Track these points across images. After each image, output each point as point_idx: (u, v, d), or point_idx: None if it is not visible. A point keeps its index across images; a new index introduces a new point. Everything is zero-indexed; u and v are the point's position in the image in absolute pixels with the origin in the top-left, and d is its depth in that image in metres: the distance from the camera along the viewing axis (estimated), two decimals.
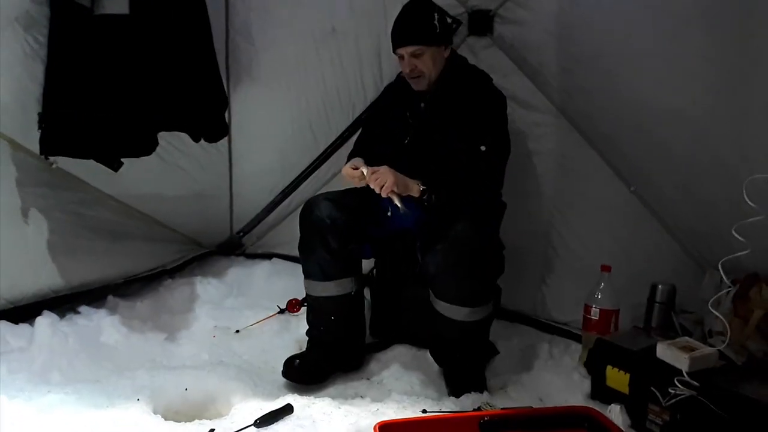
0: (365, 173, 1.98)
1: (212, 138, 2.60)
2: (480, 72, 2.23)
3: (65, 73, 2.14)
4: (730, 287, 1.87)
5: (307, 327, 2.22)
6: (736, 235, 1.63)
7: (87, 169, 2.38)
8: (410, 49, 2.07)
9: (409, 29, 2.09)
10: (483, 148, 2.05)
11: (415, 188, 2.00)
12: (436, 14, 2.11)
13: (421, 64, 2.09)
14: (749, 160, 1.86)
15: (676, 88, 2.03)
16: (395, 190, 1.95)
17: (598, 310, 2.20)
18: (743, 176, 1.66)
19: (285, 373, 2.06)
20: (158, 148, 2.40)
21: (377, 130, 2.32)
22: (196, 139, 2.53)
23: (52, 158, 2.27)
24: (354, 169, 2.03)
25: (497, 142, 2.11)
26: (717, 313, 1.77)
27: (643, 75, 2.11)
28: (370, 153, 2.21)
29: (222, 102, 2.61)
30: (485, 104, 2.12)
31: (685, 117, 2.04)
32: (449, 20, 2.38)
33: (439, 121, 2.14)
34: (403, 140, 2.19)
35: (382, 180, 1.94)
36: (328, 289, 2.14)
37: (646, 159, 2.25)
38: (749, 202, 1.61)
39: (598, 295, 2.21)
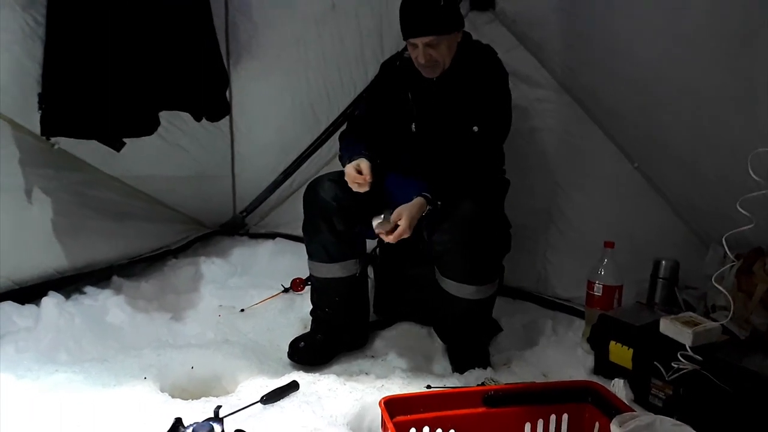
0: (375, 225, 1.93)
1: (214, 117, 2.59)
2: (484, 48, 2.16)
3: (64, 53, 2.12)
4: (733, 262, 1.87)
5: (311, 307, 2.24)
6: (741, 210, 1.63)
7: (89, 150, 2.38)
8: (426, 39, 1.96)
9: (425, 18, 1.95)
10: (475, 128, 2.02)
11: (422, 211, 1.94)
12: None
13: (437, 53, 1.98)
14: (753, 133, 1.85)
15: (679, 64, 2.01)
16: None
17: (601, 286, 2.20)
18: (747, 150, 1.65)
19: (290, 355, 2.08)
20: (160, 129, 2.39)
21: (379, 113, 2.22)
22: (198, 119, 2.52)
23: (54, 139, 2.26)
24: (358, 172, 1.98)
25: (493, 120, 2.07)
26: (721, 288, 1.77)
27: (647, 50, 2.08)
28: (371, 134, 2.17)
29: (223, 80, 2.59)
30: (483, 83, 2.07)
31: (689, 92, 2.02)
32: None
33: (444, 104, 2.10)
34: (409, 127, 2.14)
35: (397, 239, 1.90)
36: (333, 270, 2.13)
37: (650, 135, 2.24)
38: (754, 176, 1.60)
39: (601, 272, 2.21)
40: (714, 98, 1.96)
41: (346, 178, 2.01)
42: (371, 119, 2.23)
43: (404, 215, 1.90)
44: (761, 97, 1.83)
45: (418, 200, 1.93)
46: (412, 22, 1.98)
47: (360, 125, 2.25)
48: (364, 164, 1.99)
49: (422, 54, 1.99)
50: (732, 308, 1.74)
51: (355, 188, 1.99)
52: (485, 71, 2.09)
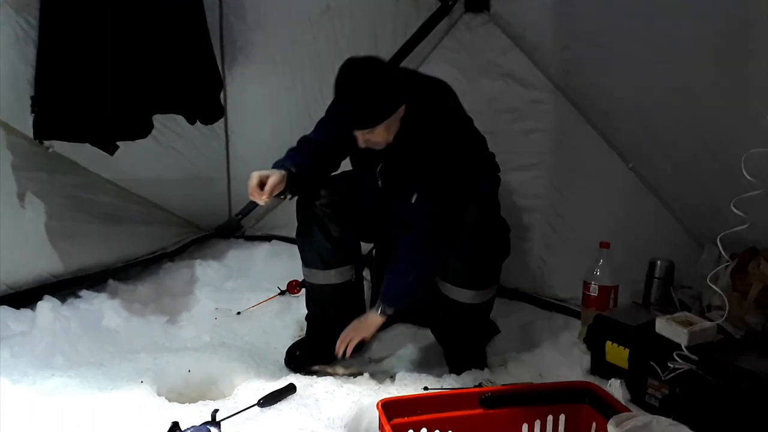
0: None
1: (208, 120, 2.58)
2: (437, 92, 1.96)
3: (57, 56, 2.12)
4: (728, 262, 1.87)
5: (307, 311, 2.23)
6: (735, 210, 1.63)
7: (83, 153, 2.38)
8: (359, 131, 1.86)
9: (355, 115, 1.83)
10: (413, 199, 1.94)
11: (378, 323, 2.00)
12: (382, 85, 1.81)
13: (374, 138, 1.86)
14: (747, 134, 1.86)
15: (673, 65, 2.02)
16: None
17: (597, 286, 2.21)
18: (741, 150, 1.66)
19: (287, 363, 2.08)
20: (154, 131, 2.39)
21: (341, 148, 2.06)
22: (192, 121, 2.52)
23: (47, 142, 2.26)
24: (262, 183, 1.86)
25: (439, 181, 1.92)
26: (716, 288, 1.78)
27: (641, 51, 2.09)
28: (325, 161, 2.08)
29: (217, 83, 2.59)
30: (432, 144, 1.90)
31: (683, 93, 2.03)
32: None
33: (405, 164, 1.97)
34: (376, 181, 2.06)
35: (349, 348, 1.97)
36: (328, 277, 2.11)
37: (644, 135, 2.25)
38: (747, 177, 1.61)
39: (597, 272, 2.22)
40: (708, 99, 1.97)
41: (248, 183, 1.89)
42: (326, 147, 2.06)
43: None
44: (755, 97, 1.84)
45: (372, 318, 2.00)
46: (343, 117, 1.88)
47: (309, 147, 2.05)
48: (273, 178, 1.87)
49: (361, 140, 1.88)
50: (727, 308, 1.74)
51: (251, 197, 1.90)
52: (434, 130, 1.91)
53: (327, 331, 2.13)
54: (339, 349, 1.98)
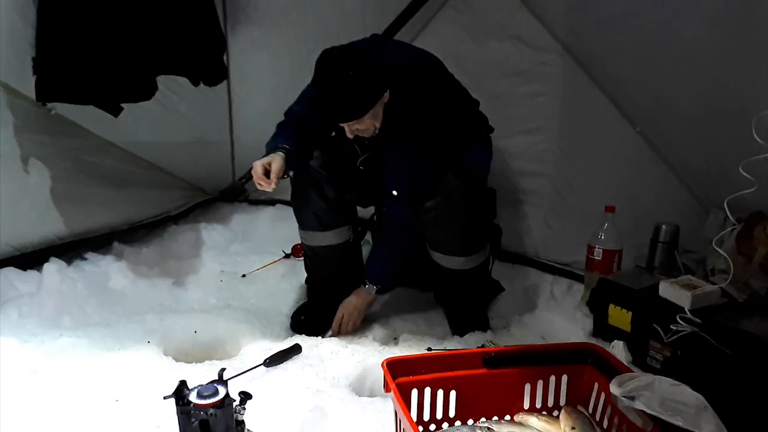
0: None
1: (211, 81, 2.55)
2: (418, 77, 1.93)
3: (58, 15, 2.08)
4: (734, 225, 1.87)
5: (306, 275, 2.25)
6: (744, 173, 1.62)
7: (86, 116, 2.36)
8: (345, 124, 1.88)
9: (337, 110, 1.83)
10: (395, 193, 1.97)
11: (370, 301, 2.10)
12: (362, 78, 1.78)
13: (362, 127, 1.88)
14: (758, 96, 1.83)
15: (684, 27, 1.98)
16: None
17: (601, 250, 2.20)
18: (752, 113, 1.64)
19: (293, 327, 2.11)
20: (157, 94, 2.36)
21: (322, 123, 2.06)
22: (196, 83, 2.49)
23: (50, 104, 2.24)
24: (267, 171, 1.90)
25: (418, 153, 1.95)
26: (721, 251, 1.78)
27: (651, 14, 2.05)
28: (309, 133, 2.07)
29: (220, 44, 2.56)
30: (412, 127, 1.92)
31: (693, 56, 2.00)
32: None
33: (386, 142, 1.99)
34: (356, 164, 2.09)
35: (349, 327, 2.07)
36: (326, 238, 2.13)
37: (652, 99, 2.22)
38: (758, 139, 1.59)
39: (601, 236, 2.21)
40: (718, 61, 1.94)
41: (252, 173, 1.94)
42: (312, 121, 2.04)
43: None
44: (765, 60, 1.81)
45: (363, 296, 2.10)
46: (327, 112, 1.88)
47: (298, 122, 2.07)
48: (275, 164, 1.91)
49: (348, 131, 1.90)
50: (731, 271, 1.75)
51: (259, 187, 1.93)
52: (416, 112, 1.91)
53: (329, 294, 2.15)
54: (336, 330, 2.06)
